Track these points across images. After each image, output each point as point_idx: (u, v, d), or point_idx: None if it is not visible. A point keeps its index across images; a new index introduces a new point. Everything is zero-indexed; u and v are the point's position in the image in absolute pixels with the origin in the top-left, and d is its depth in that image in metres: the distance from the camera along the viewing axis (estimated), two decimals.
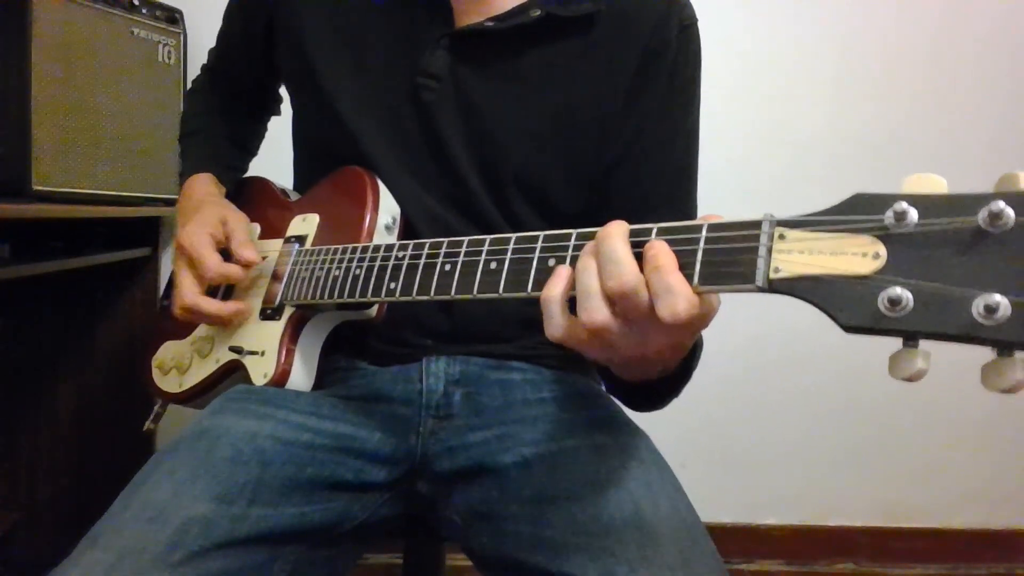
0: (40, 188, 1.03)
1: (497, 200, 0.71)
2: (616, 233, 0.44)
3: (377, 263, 0.60)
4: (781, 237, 0.38)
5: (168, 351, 0.80)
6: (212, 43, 0.92)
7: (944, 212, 0.34)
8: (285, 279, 0.70)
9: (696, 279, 0.41)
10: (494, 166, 0.71)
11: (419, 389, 0.70)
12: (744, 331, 1.47)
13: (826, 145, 1.51)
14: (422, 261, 0.56)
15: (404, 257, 0.58)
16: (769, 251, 0.38)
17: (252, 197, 0.86)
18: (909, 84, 1.51)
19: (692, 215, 0.71)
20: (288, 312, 0.69)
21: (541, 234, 0.49)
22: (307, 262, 0.68)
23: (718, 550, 0.58)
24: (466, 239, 0.53)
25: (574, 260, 0.46)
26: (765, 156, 1.52)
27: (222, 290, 0.78)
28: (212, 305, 0.70)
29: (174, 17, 1.24)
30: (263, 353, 0.69)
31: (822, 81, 1.51)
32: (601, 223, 0.47)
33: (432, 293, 0.54)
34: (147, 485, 0.57)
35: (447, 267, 0.54)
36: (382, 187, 0.71)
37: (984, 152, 1.48)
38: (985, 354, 0.33)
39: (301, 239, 0.73)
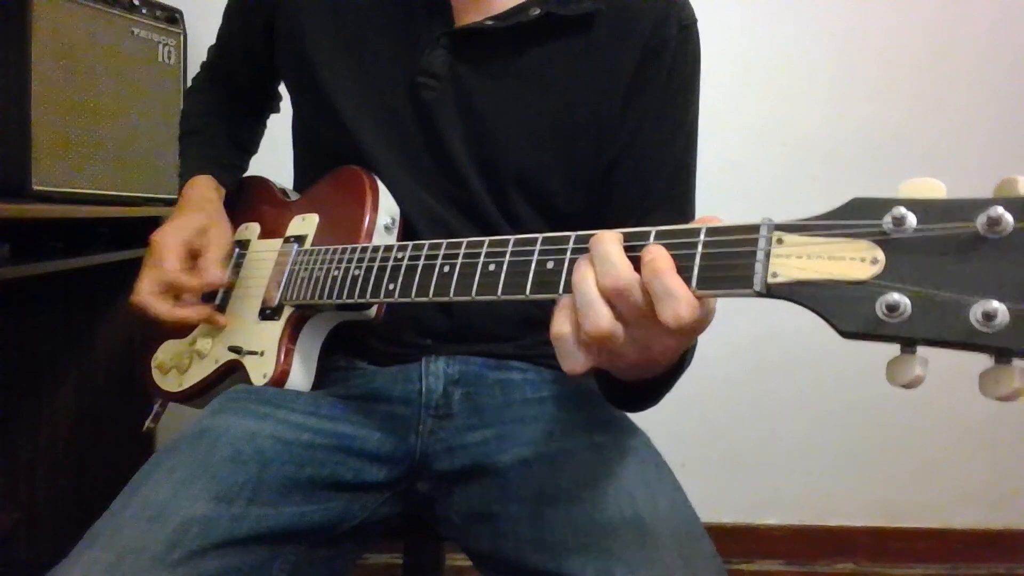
0: (40, 188, 1.03)
1: (497, 199, 0.71)
2: (608, 236, 0.44)
3: (376, 264, 0.60)
4: (779, 242, 0.38)
5: (168, 351, 0.80)
6: (212, 43, 0.92)
7: (942, 217, 0.34)
8: (284, 279, 0.70)
9: (694, 283, 0.41)
10: (494, 165, 0.71)
11: (418, 389, 0.70)
12: (745, 332, 1.47)
13: (825, 146, 1.51)
14: (421, 262, 0.56)
15: (403, 258, 0.58)
16: (767, 256, 0.38)
17: (252, 196, 0.86)
18: (908, 85, 1.51)
19: (691, 214, 0.72)
20: (287, 312, 0.69)
21: (539, 236, 0.49)
22: (306, 262, 0.68)
23: (718, 550, 0.58)
24: (464, 240, 0.53)
25: (572, 262, 0.46)
26: (764, 156, 1.51)
27: (221, 290, 0.78)
28: (160, 307, 0.69)
29: (174, 17, 1.24)
30: (262, 353, 0.69)
31: (821, 82, 1.51)
32: (602, 222, 0.48)
33: (430, 294, 0.54)
34: (147, 485, 0.57)
35: (446, 268, 0.54)
36: (381, 187, 0.71)
37: (983, 153, 1.48)
38: (984, 356, 0.33)
39: (300, 239, 0.73)
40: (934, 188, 0.35)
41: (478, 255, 0.52)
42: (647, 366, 0.48)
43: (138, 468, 0.60)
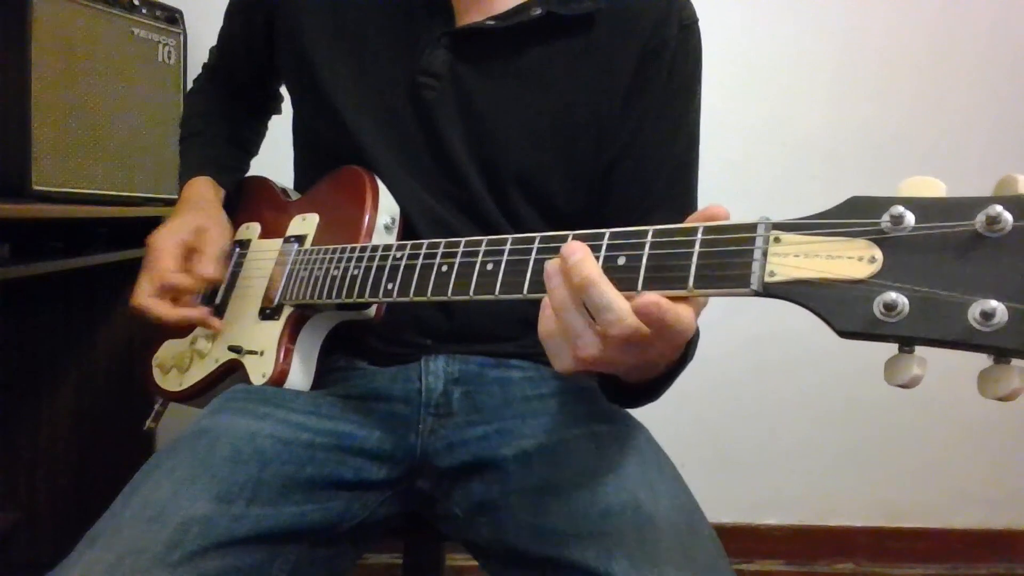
0: (40, 188, 1.03)
1: (497, 199, 0.71)
2: (595, 276, 0.42)
3: (375, 263, 0.60)
4: (777, 240, 0.38)
5: (169, 350, 0.80)
6: (212, 43, 0.92)
7: (941, 216, 0.33)
8: (284, 279, 0.70)
9: (691, 282, 0.41)
10: (494, 165, 0.71)
11: (418, 388, 0.70)
12: (744, 331, 1.47)
13: (825, 146, 1.51)
14: (419, 262, 0.56)
15: (402, 258, 0.58)
16: (764, 255, 0.38)
17: (252, 196, 0.86)
18: (908, 84, 1.51)
19: (692, 212, 0.71)
20: (287, 312, 0.70)
21: (537, 235, 0.49)
22: (306, 262, 0.69)
23: None
24: (463, 240, 0.53)
25: None
26: (764, 156, 1.51)
27: (222, 290, 0.78)
28: (159, 309, 0.70)
29: (174, 17, 1.24)
30: (262, 353, 0.70)
31: (821, 82, 1.51)
32: (602, 222, 0.48)
33: (429, 294, 0.54)
34: (147, 485, 0.57)
35: (444, 268, 0.54)
36: (381, 187, 0.71)
37: (983, 153, 1.47)
38: (983, 355, 0.33)
39: (300, 239, 0.73)
40: (933, 187, 0.35)
41: (476, 254, 0.52)
42: (646, 368, 0.48)
43: (138, 468, 0.60)
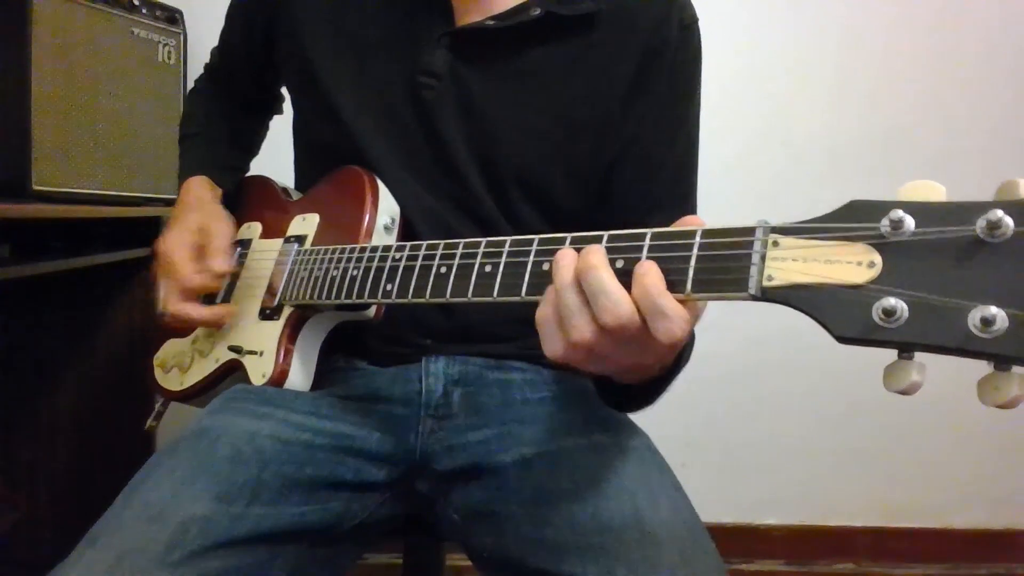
0: (40, 188, 1.03)
1: (497, 199, 0.71)
2: (599, 263, 0.42)
3: (375, 264, 0.60)
4: (775, 244, 0.38)
5: (170, 350, 0.80)
6: (212, 43, 0.92)
7: (941, 221, 0.33)
8: (284, 279, 0.70)
9: (689, 286, 0.41)
10: (494, 165, 0.71)
11: (418, 389, 0.70)
12: (744, 331, 1.47)
13: (825, 146, 1.51)
14: (418, 263, 0.56)
15: (401, 259, 0.58)
16: (763, 259, 0.38)
17: (253, 196, 0.86)
18: (908, 84, 1.50)
19: (692, 213, 0.71)
20: (287, 312, 0.70)
21: (536, 237, 0.49)
22: (306, 262, 0.69)
23: (718, 550, 0.58)
24: (462, 241, 0.53)
25: None
26: (763, 157, 1.51)
27: (222, 290, 0.78)
28: (200, 311, 0.71)
29: (174, 17, 1.24)
30: (262, 353, 0.70)
31: (821, 81, 1.51)
32: (602, 222, 0.47)
33: (428, 295, 0.54)
34: (147, 485, 0.57)
35: (443, 269, 0.54)
36: (381, 187, 0.71)
37: (983, 155, 1.47)
38: (983, 362, 0.32)
39: (301, 239, 0.73)
40: (934, 191, 0.34)
41: (474, 256, 0.52)
42: (641, 371, 0.48)
43: (138, 468, 0.60)
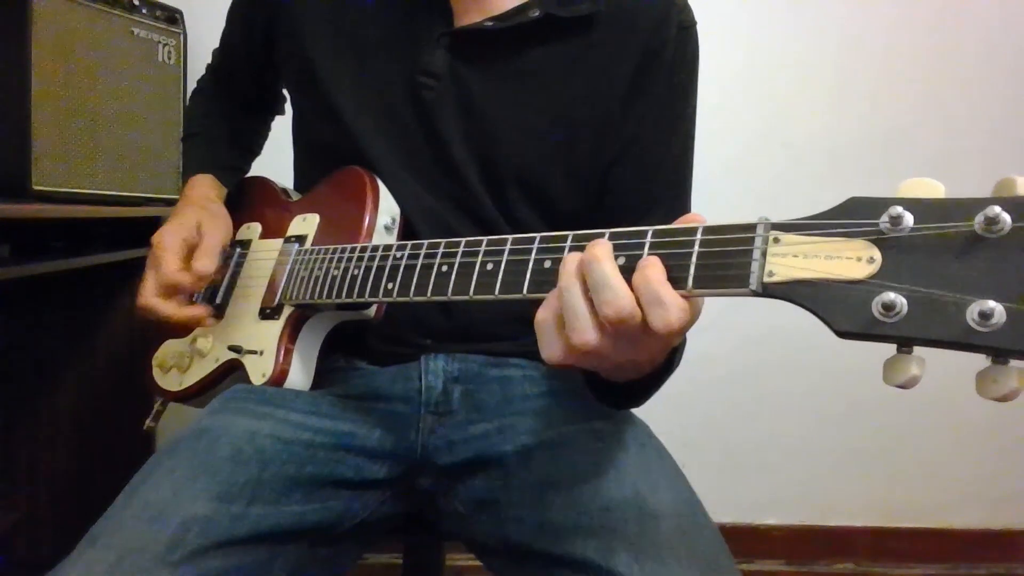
0: (40, 188, 1.03)
1: (497, 199, 0.72)
2: (603, 255, 0.42)
3: (375, 263, 0.60)
4: (776, 241, 0.38)
5: (169, 350, 0.80)
6: (212, 43, 0.93)
7: (940, 217, 0.34)
8: (284, 279, 0.71)
9: (691, 282, 0.41)
10: (494, 165, 0.71)
11: (418, 387, 0.70)
12: (744, 331, 1.47)
13: (825, 146, 1.51)
14: (419, 262, 0.56)
15: (402, 258, 0.58)
16: (763, 255, 0.38)
17: (253, 197, 0.86)
18: (908, 84, 1.51)
19: (687, 211, 0.72)
20: (287, 312, 0.70)
21: (537, 236, 0.49)
22: (306, 262, 0.69)
23: None
24: (463, 240, 0.53)
25: None
26: (763, 157, 1.51)
27: (223, 290, 0.78)
28: (170, 309, 0.69)
29: (174, 17, 1.24)
30: (261, 353, 0.70)
31: (821, 81, 1.51)
32: (601, 222, 0.48)
33: (429, 294, 0.54)
34: (147, 485, 0.57)
35: (444, 268, 0.54)
36: (382, 187, 0.71)
37: (983, 154, 1.47)
38: (982, 356, 0.33)
39: (301, 239, 0.73)
40: (933, 188, 0.35)
41: (476, 254, 0.52)
42: (632, 368, 0.48)
43: (138, 468, 0.60)
